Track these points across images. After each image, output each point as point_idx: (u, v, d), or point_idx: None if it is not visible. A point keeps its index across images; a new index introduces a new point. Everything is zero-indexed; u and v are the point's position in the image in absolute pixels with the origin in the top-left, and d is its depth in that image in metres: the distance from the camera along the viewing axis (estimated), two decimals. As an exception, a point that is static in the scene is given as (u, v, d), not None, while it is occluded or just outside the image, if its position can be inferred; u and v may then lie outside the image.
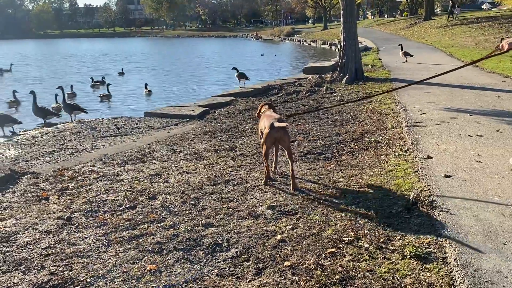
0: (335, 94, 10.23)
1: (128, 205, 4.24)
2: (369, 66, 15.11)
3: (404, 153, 5.31)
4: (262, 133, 4.89)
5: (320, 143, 6.28)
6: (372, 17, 76.54)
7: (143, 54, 37.83)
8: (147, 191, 4.62)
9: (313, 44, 44.94)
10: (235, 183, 4.73)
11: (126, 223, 3.82)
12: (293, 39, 56.69)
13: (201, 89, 15.92)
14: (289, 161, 4.48)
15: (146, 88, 15.53)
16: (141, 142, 7.03)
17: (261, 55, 32.90)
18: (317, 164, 5.29)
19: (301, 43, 49.92)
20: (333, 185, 4.48)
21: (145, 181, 4.99)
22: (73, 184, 4.98)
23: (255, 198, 4.24)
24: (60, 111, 10.64)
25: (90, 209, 4.20)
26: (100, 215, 4.04)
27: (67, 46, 52.08)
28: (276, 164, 5.08)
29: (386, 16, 72.08)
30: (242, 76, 14.26)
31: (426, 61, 16.17)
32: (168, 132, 7.69)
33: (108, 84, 14.90)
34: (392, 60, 16.83)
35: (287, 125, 4.48)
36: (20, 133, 8.41)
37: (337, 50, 35.76)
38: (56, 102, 11.66)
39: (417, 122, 6.80)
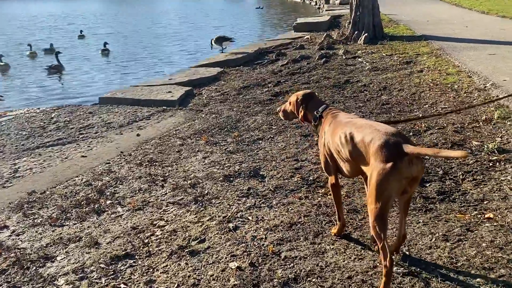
0: (360, 59, 7.57)
1: None
2: (375, 20, 12.41)
3: None
4: (331, 157, 2.33)
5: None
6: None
7: (100, 15, 32.80)
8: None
9: (283, -3, 41.30)
10: (305, 294, 2.15)
11: None
12: (259, -8, 52.48)
13: (174, 55, 12.70)
14: (402, 230, 2.19)
15: (104, 46, 13.14)
16: (94, 158, 4.27)
17: (258, 8, 29.31)
18: (443, 218, 2.74)
19: (269, -5, 46.02)
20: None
21: None
22: None
23: None
24: None
25: None
26: None
27: (14, 8, 45.13)
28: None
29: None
30: (223, 39, 11.19)
31: (436, 14, 13.70)
32: (137, 134, 4.92)
33: (58, 53, 11.16)
34: (396, 13, 14.12)
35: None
36: None
37: (312, 3, 32.79)
38: None
39: (542, 110, 4.30)
